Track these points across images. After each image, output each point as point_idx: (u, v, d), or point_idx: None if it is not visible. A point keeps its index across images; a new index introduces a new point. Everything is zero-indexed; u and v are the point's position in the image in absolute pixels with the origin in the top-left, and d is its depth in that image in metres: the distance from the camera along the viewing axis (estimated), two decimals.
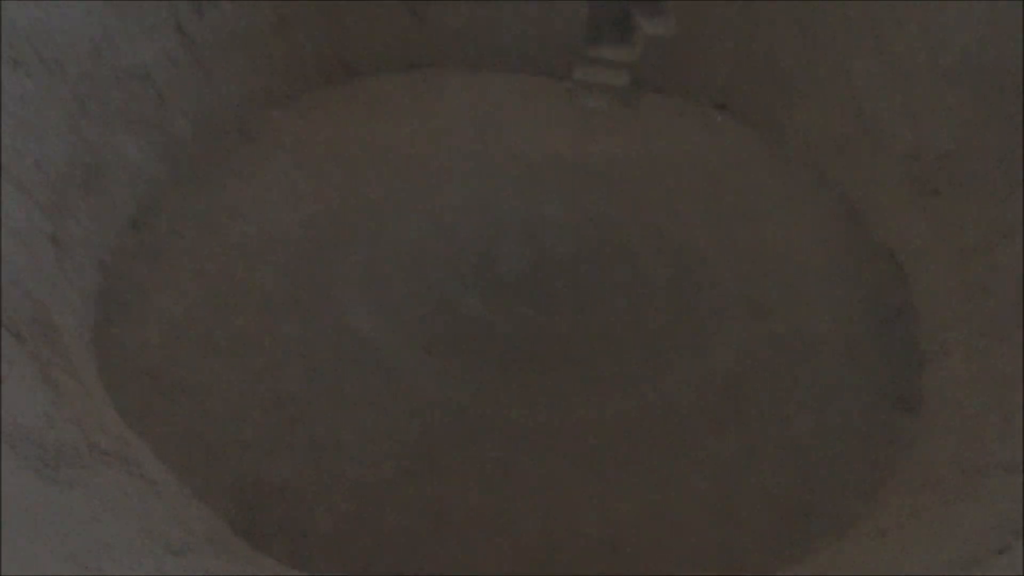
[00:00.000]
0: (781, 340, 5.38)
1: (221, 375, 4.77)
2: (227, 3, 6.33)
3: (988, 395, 4.49)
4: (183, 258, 5.44)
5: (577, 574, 4.14)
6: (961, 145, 5.54)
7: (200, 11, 6.20)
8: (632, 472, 4.57)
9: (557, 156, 6.60)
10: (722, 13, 6.91)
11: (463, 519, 4.29)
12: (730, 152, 6.82)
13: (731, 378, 5.12)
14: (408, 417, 4.72)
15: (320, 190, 6.07)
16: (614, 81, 7.26)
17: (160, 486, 3.75)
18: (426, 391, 4.88)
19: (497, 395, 4.90)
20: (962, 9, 5.52)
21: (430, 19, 7.25)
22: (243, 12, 6.45)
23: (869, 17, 6.15)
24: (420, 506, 4.31)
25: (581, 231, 6.04)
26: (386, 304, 5.36)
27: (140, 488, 3.59)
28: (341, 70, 7.05)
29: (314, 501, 4.27)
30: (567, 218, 6.13)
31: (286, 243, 5.65)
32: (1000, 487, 3.71)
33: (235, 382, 4.76)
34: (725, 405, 4.96)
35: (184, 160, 6.03)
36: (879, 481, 4.61)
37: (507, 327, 5.32)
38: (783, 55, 6.77)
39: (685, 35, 7.06)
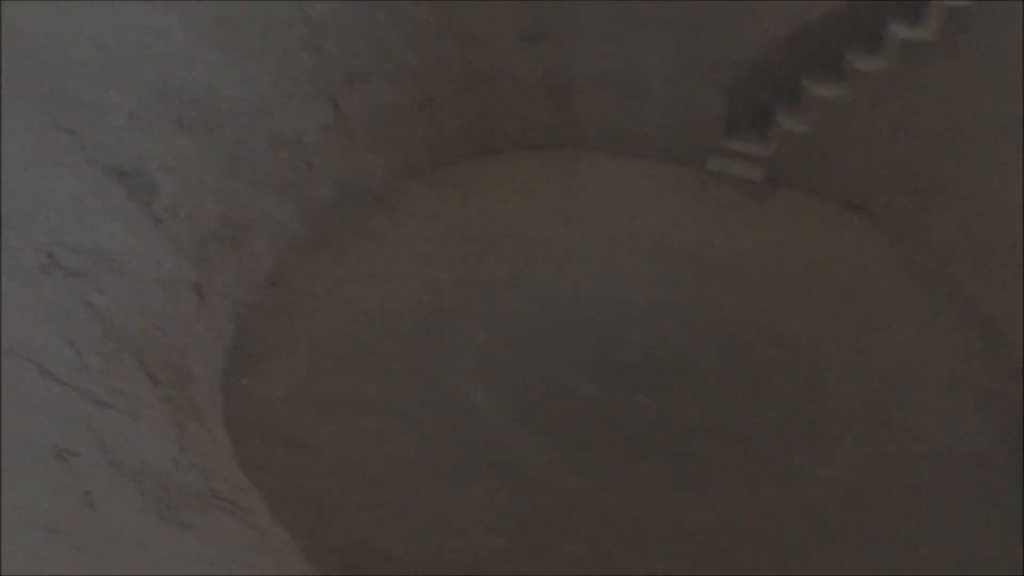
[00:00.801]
0: (906, 454, 5.15)
1: (337, 435, 4.89)
2: (378, 80, 6.65)
3: None
4: (312, 317, 5.64)
5: None
6: None
7: (352, 86, 6.54)
8: None
9: (684, 245, 6.60)
10: (864, 114, 6.83)
11: None
12: (862, 255, 6.66)
13: (851, 489, 4.92)
14: (514, 495, 4.72)
15: (448, 262, 6.22)
16: (748, 174, 7.24)
17: (270, 537, 3.85)
18: (534, 471, 4.87)
19: (605, 482, 4.85)
20: None
21: (570, 104, 7.42)
22: (392, 89, 6.76)
23: (1017, 126, 5.98)
24: None
25: (702, 322, 5.99)
26: (501, 380, 5.40)
27: (252, 537, 3.69)
28: (480, 147, 7.27)
29: (416, 570, 4.29)
30: (689, 308, 6.09)
31: (410, 311, 5.80)
32: None
33: (350, 443, 4.87)
34: (843, 518, 4.76)
35: (323, 223, 6.30)
36: None
37: (620, 414, 5.28)
38: (925, 160, 6.62)
39: (824, 133, 6.99)
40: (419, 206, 6.69)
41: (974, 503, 4.87)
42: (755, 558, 4.51)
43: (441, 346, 5.58)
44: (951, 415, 5.41)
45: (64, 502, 2.93)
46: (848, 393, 5.52)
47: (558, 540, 4.51)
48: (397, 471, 4.76)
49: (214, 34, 5.61)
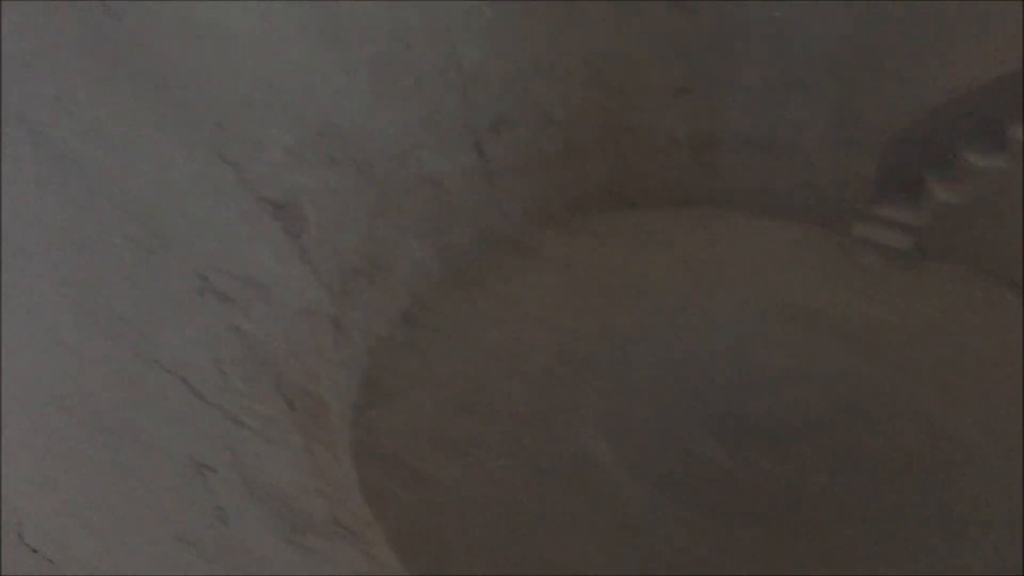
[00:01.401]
0: None
1: (460, 475, 4.92)
2: (522, 128, 6.78)
3: None
4: (443, 357, 5.73)
5: None
6: None
7: (497, 132, 6.69)
8: None
9: (823, 311, 6.38)
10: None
11: None
12: (1012, 333, 6.28)
13: None
14: (632, 553, 4.62)
15: (579, 311, 6.22)
16: (896, 243, 6.97)
17: (387, 570, 3.89)
18: (653, 529, 4.76)
19: (724, 546, 4.70)
20: None
21: (714, 161, 7.36)
22: (535, 137, 6.87)
23: None
24: None
25: (836, 390, 5.75)
26: (625, 434, 5.33)
27: (369, 568, 3.74)
28: (619, 199, 7.28)
29: None
30: (825, 377, 5.86)
31: (539, 357, 5.81)
32: None
33: (472, 485, 4.89)
34: None
35: (459, 264, 6.42)
36: None
37: (745, 478, 5.12)
38: None
39: (980, 204, 6.68)
40: (554, 253, 6.74)
41: None
42: None
43: (568, 394, 5.56)
44: None
45: (198, 514, 3.05)
46: (989, 480, 5.18)
47: None
48: (516, 516, 4.74)
49: (370, 77, 5.84)
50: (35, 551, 2.27)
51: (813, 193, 7.23)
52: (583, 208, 7.15)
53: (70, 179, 3.66)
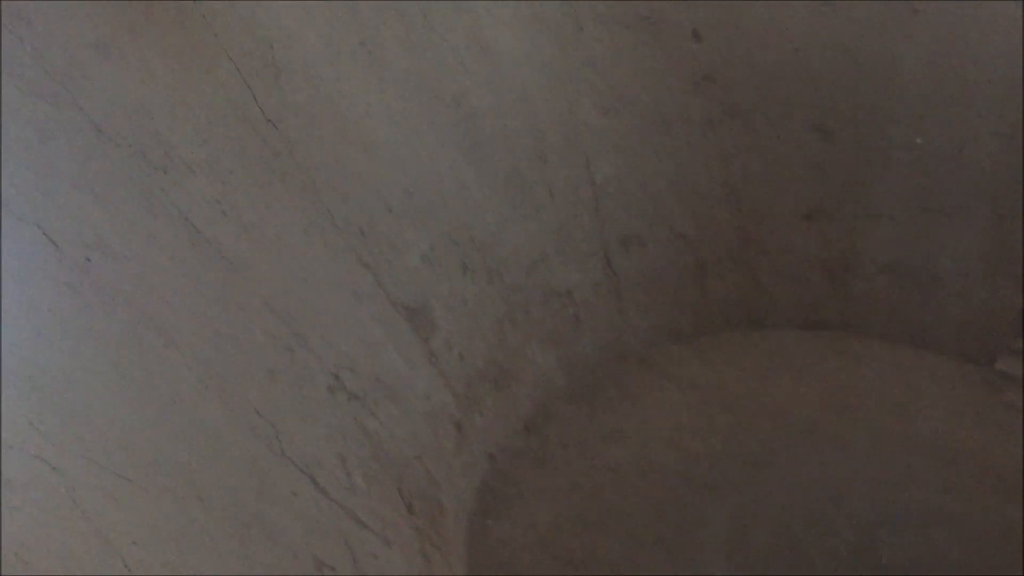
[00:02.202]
0: None
1: None
2: (652, 244, 6.80)
3: None
4: (563, 469, 5.66)
5: None
6: None
7: (627, 247, 6.73)
8: None
9: (966, 448, 6.02)
10: None
11: None
12: None
13: None
14: None
15: (704, 431, 6.07)
16: None
17: None
18: None
19: None
20: None
21: (848, 285, 7.17)
22: (665, 253, 6.88)
23: None
24: None
25: (982, 536, 5.38)
26: (749, 564, 5.11)
27: None
28: (749, 319, 7.16)
29: None
30: (967, 518, 5.50)
31: (660, 476, 5.68)
32: None
33: None
34: None
35: (583, 377, 6.39)
36: None
37: None
38: None
39: None
40: (680, 371, 6.63)
41: None
42: None
43: (689, 517, 5.39)
44: None
45: None
46: None
47: None
48: None
49: (505, 188, 6.00)
50: None
51: (956, 323, 6.93)
52: (712, 327, 7.05)
53: (222, 276, 3.86)
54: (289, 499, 3.49)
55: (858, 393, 6.56)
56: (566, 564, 4.98)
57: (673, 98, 6.90)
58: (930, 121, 6.86)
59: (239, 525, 3.06)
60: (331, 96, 4.88)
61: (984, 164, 6.82)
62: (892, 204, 7.01)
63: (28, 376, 2.74)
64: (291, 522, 3.35)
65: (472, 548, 5.01)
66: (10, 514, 2.54)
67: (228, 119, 4.24)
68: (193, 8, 4.22)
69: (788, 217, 7.15)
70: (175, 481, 3.01)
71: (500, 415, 5.76)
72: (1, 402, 2.62)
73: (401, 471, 4.54)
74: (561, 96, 6.45)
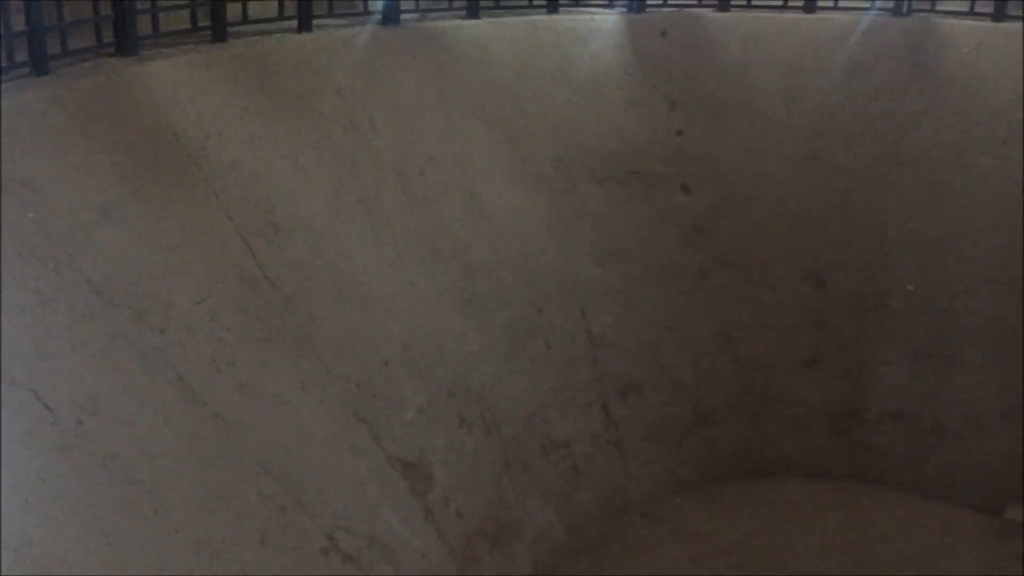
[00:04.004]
0: None
1: None
2: (651, 393, 6.77)
3: None
4: None
5: None
6: None
7: (625, 396, 6.70)
8: None
9: None
10: None
11: None
12: None
13: None
14: None
15: None
16: None
17: None
18: None
19: None
20: None
21: (853, 433, 7.11)
22: (665, 402, 6.85)
23: None
24: None
25: None
26: None
27: None
28: (752, 469, 7.05)
29: None
30: None
31: None
32: None
33: None
34: None
35: (584, 530, 6.23)
36: None
37: None
38: None
39: None
40: (684, 523, 6.48)
41: None
42: None
43: None
44: None
45: None
46: None
47: None
48: None
49: (503, 340, 6.03)
50: None
51: (962, 473, 6.82)
52: (715, 477, 6.94)
53: (217, 436, 3.82)
54: None
55: (864, 544, 6.37)
56: None
57: (666, 249, 7.03)
58: (923, 269, 6.96)
59: None
60: (329, 253, 4.96)
61: (981, 312, 6.88)
62: (891, 351, 7.02)
63: (14, 548, 2.67)
64: None
65: None
66: None
67: (227, 277, 4.29)
68: (197, 171, 4.34)
69: (787, 365, 7.13)
70: None
71: (500, 571, 5.58)
72: None
73: None
74: (557, 249, 6.57)
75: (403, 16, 6.16)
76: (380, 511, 4.69)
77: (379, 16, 6.00)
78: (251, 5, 5.48)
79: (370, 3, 6.16)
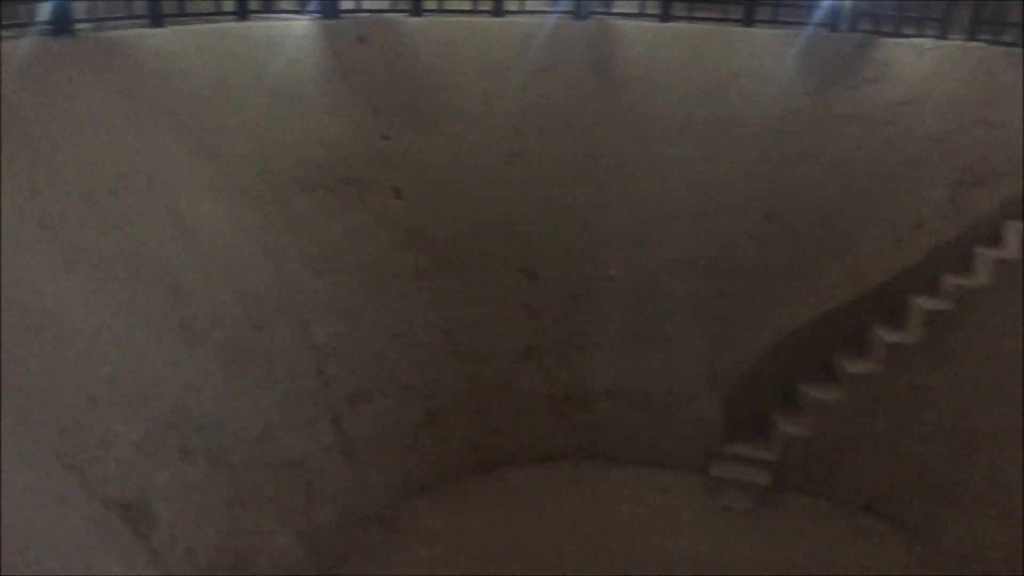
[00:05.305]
0: None
1: None
2: (381, 399, 6.75)
3: None
4: None
5: None
6: None
7: (355, 406, 6.62)
8: None
9: (696, 557, 6.34)
10: (862, 416, 6.85)
11: None
12: (880, 559, 6.39)
13: None
14: None
15: None
16: (753, 479, 7.13)
17: None
18: None
19: None
20: None
21: (573, 416, 7.49)
22: (395, 407, 6.85)
23: (1017, 429, 6.04)
24: None
25: None
26: None
27: None
28: (487, 461, 7.23)
29: None
30: None
31: None
32: None
33: None
34: None
35: (325, 548, 6.08)
36: None
37: None
38: (932, 462, 6.56)
39: (825, 436, 6.97)
40: (425, 525, 6.52)
41: None
42: None
43: None
44: None
45: None
46: None
47: None
48: None
49: (222, 362, 5.74)
50: None
51: (672, 439, 7.41)
52: (450, 474, 7.04)
53: None
54: None
55: (595, 518, 6.73)
56: None
57: (383, 254, 7.02)
58: (623, 256, 7.46)
59: None
60: (12, 287, 4.46)
61: (676, 291, 7.48)
62: (601, 335, 7.48)
63: None
64: None
65: None
66: None
67: None
68: None
69: (508, 357, 7.38)
70: None
71: None
72: None
73: None
74: (271, 263, 6.36)
75: (77, 25, 5.67)
76: (99, 560, 4.29)
77: (47, 26, 5.46)
78: None
79: (37, 10, 5.57)
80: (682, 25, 7.50)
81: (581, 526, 6.62)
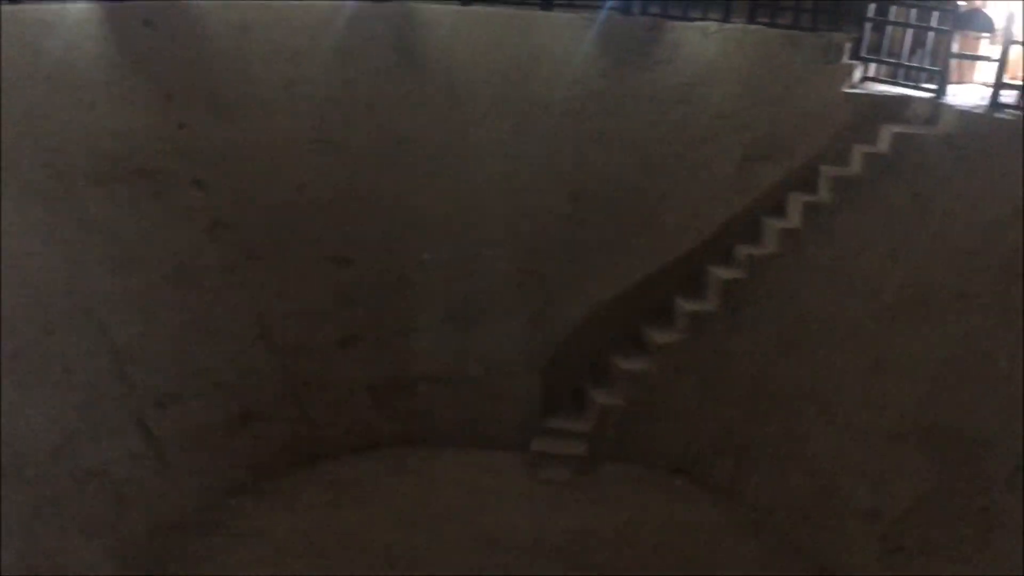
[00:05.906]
0: None
1: None
2: (191, 399, 6.45)
3: None
4: None
5: None
6: (921, 502, 5.61)
7: (163, 408, 6.30)
8: None
9: (519, 531, 6.46)
10: (670, 384, 7.20)
11: None
12: (692, 518, 6.73)
13: None
14: None
15: None
16: (571, 451, 7.32)
17: None
18: None
19: None
20: (902, 374, 5.92)
21: (392, 402, 7.43)
22: (206, 406, 6.57)
23: (814, 385, 6.52)
24: None
25: None
26: None
27: None
28: (307, 455, 7.06)
29: None
30: None
31: None
32: None
33: None
34: None
35: (138, 559, 5.76)
36: None
37: None
38: (735, 423, 6.99)
39: (637, 404, 7.27)
40: (245, 525, 6.29)
41: None
42: None
43: None
44: None
45: None
46: None
47: None
48: None
49: (12, 372, 5.33)
50: None
51: (491, 418, 7.48)
52: (270, 470, 6.81)
53: None
54: None
55: (420, 504, 6.71)
56: None
57: (186, 248, 6.68)
58: (436, 240, 7.44)
59: None
60: None
61: (493, 272, 7.55)
62: (419, 319, 7.44)
63: None
64: None
65: None
66: None
67: None
68: None
69: (324, 347, 7.21)
70: None
71: None
72: None
73: None
74: (62, 262, 5.93)
75: None
76: None
77: None
78: None
79: None
80: (483, 9, 7.53)
81: (407, 513, 6.58)
